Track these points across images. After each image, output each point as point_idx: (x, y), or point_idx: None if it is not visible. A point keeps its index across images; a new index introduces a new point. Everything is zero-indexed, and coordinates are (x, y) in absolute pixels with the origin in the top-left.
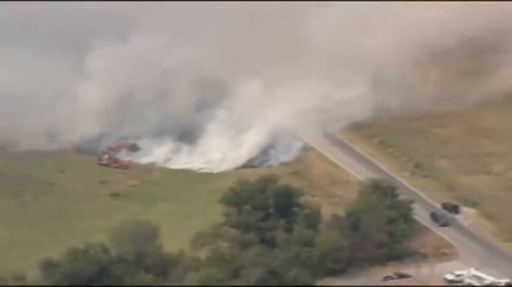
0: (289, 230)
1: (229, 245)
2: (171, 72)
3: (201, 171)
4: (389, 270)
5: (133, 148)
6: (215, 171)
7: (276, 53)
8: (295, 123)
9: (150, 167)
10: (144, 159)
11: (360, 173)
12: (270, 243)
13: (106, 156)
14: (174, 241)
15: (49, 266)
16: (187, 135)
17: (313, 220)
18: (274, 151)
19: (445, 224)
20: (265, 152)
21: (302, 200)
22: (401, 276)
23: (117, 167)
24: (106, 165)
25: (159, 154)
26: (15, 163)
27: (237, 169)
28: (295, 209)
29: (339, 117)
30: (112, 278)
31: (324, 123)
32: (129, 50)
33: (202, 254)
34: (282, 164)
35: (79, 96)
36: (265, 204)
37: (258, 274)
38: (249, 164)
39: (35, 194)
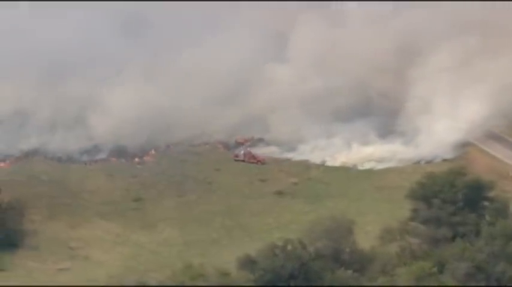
0: (478, 224)
1: (419, 241)
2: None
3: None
4: None
5: (260, 142)
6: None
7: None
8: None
9: (307, 164)
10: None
11: None
12: (463, 238)
13: (242, 152)
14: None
15: (249, 262)
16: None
17: (502, 214)
18: None
19: None
20: None
21: (492, 193)
22: None
23: (254, 163)
24: (243, 161)
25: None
26: (168, 162)
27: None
28: (484, 203)
29: None
30: (311, 274)
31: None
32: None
33: (390, 250)
34: (444, 160)
35: (277, 83)
36: (455, 198)
37: (463, 268)
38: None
39: (198, 193)
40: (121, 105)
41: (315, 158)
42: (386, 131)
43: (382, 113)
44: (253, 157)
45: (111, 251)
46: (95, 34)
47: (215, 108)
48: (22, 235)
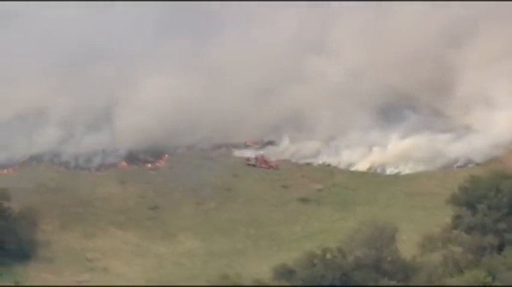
0: None
1: (463, 250)
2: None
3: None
4: None
5: (270, 145)
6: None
7: None
8: None
9: (330, 169)
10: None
11: None
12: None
13: (253, 156)
14: None
15: (286, 272)
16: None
17: None
18: None
19: None
20: None
21: None
22: None
23: (266, 168)
24: (254, 165)
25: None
26: (182, 167)
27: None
28: None
29: None
30: (353, 284)
31: None
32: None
33: (433, 259)
34: (477, 164)
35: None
36: (500, 203)
37: None
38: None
39: (217, 201)
40: (147, 103)
41: (348, 156)
42: (433, 127)
43: (429, 109)
44: (266, 161)
45: (131, 263)
46: (123, 30)
47: (246, 107)
48: (35, 245)
